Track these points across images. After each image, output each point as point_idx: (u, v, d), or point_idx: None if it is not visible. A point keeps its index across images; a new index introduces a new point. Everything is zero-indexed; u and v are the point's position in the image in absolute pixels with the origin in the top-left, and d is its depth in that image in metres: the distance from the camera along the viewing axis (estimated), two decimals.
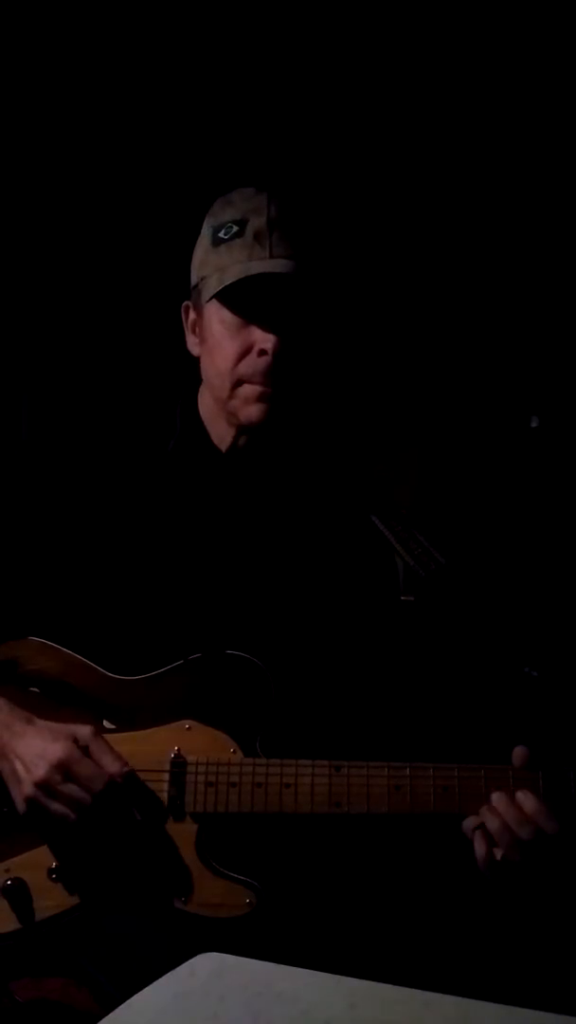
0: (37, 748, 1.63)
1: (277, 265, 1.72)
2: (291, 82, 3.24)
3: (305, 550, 1.83)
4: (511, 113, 3.28)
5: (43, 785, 1.61)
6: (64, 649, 1.73)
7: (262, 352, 1.72)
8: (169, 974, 1.24)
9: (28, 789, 1.62)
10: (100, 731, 1.69)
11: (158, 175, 3.30)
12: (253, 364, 1.73)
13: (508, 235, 3.43)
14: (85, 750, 1.63)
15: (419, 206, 3.44)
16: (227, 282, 1.72)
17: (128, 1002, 1.22)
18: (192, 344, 1.84)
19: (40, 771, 1.61)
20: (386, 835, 1.76)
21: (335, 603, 1.82)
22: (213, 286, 1.74)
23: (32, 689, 1.72)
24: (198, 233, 1.84)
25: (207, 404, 1.83)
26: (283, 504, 1.83)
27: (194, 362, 1.85)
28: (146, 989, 1.23)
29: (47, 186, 3.30)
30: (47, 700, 1.71)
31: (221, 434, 1.81)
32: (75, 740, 1.63)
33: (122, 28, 3.14)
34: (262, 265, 1.71)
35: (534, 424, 3.33)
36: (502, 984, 1.99)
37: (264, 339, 1.72)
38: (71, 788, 1.62)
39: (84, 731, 1.65)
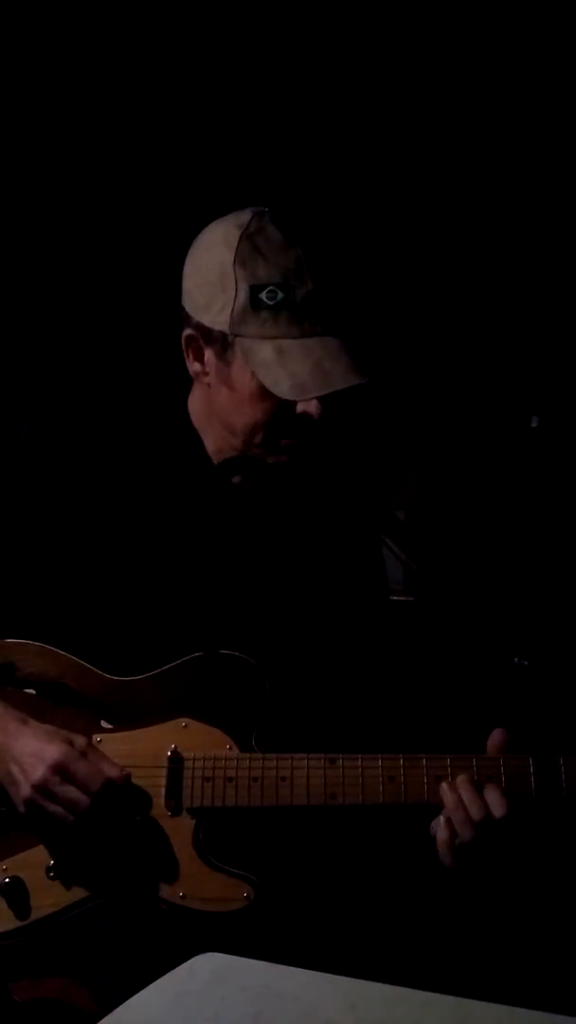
0: (33, 749, 1.63)
1: (350, 374, 1.66)
2: (287, 93, 3.25)
3: (294, 549, 1.82)
4: (509, 118, 3.29)
5: (41, 787, 1.61)
6: (60, 652, 1.73)
7: (306, 415, 1.68)
8: (169, 974, 1.24)
9: (26, 791, 1.62)
10: (98, 730, 1.69)
11: (151, 190, 3.31)
12: (294, 424, 1.70)
13: (508, 236, 3.43)
14: (82, 753, 1.63)
15: (420, 207, 3.45)
16: (312, 394, 1.65)
17: (128, 1002, 1.22)
18: (196, 371, 1.78)
19: (38, 773, 1.61)
20: (384, 832, 1.76)
21: (325, 600, 1.82)
22: (269, 364, 1.67)
23: (28, 691, 1.72)
24: (186, 245, 1.79)
25: (210, 423, 1.80)
26: (272, 505, 1.83)
27: (179, 371, 1.82)
28: (146, 989, 1.23)
29: (46, 199, 3.31)
30: (44, 701, 1.71)
31: (220, 449, 1.79)
32: (71, 743, 1.64)
33: (123, 37, 3.14)
34: (336, 368, 1.66)
35: (534, 424, 3.33)
36: (502, 984, 1.99)
37: (311, 406, 1.68)
38: (68, 789, 1.61)
39: (80, 740, 1.65)
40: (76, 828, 1.62)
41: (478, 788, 1.61)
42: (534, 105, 3.23)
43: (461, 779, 1.62)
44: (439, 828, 1.62)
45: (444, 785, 1.62)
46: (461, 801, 1.61)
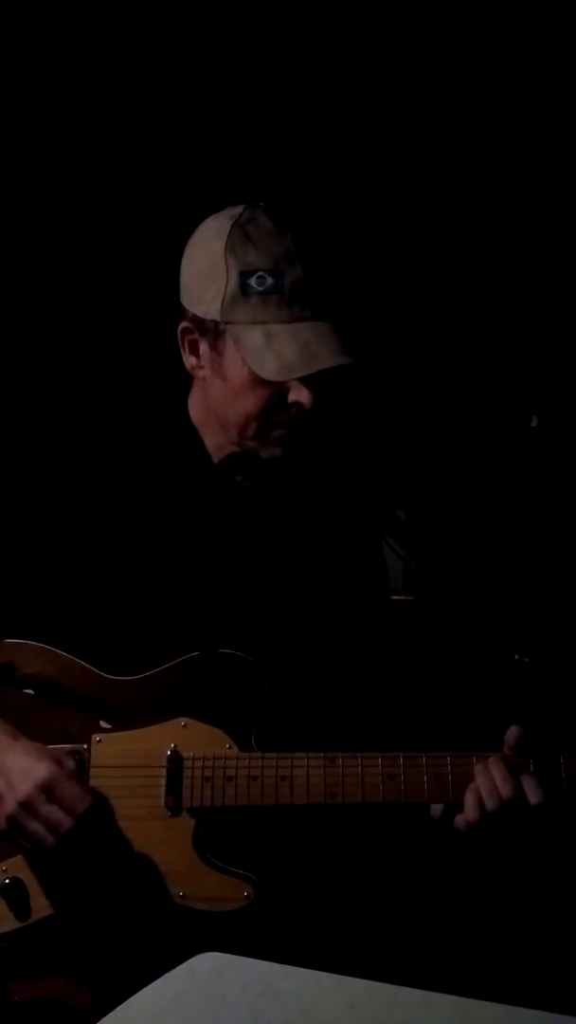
0: (22, 765, 1.61)
1: (337, 354, 1.65)
2: (280, 81, 3.25)
3: (295, 548, 1.82)
4: (509, 117, 3.29)
5: (25, 804, 1.60)
6: (59, 651, 1.73)
7: (298, 405, 1.68)
8: (169, 974, 1.24)
9: (10, 807, 1.60)
10: (97, 730, 1.69)
11: (151, 188, 3.31)
12: (287, 414, 1.69)
13: (508, 236, 3.43)
14: (70, 775, 1.63)
15: (420, 207, 3.45)
16: (297, 373, 1.65)
17: (128, 1002, 1.21)
18: (192, 365, 1.78)
19: (24, 789, 1.60)
20: (384, 832, 1.75)
21: (325, 599, 1.82)
22: (257, 348, 1.67)
23: (27, 691, 1.71)
24: (185, 243, 1.79)
25: (208, 420, 1.79)
26: (271, 503, 1.83)
27: (180, 370, 1.82)
28: (146, 989, 1.22)
29: (45, 198, 3.31)
30: (43, 702, 1.71)
31: (219, 447, 1.79)
32: (60, 764, 1.63)
33: (119, 36, 3.15)
34: (323, 349, 1.65)
35: (534, 424, 3.33)
36: (502, 984, 1.99)
37: (302, 394, 1.67)
38: (52, 810, 1.60)
39: (69, 762, 1.65)
40: (56, 850, 1.61)
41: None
42: (532, 95, 3.24)
43: (493, 759, 1.64)
44: (467, 802, 1.63)
45: (479, 766, 1.64)
46: (492, 778, 1.62)
